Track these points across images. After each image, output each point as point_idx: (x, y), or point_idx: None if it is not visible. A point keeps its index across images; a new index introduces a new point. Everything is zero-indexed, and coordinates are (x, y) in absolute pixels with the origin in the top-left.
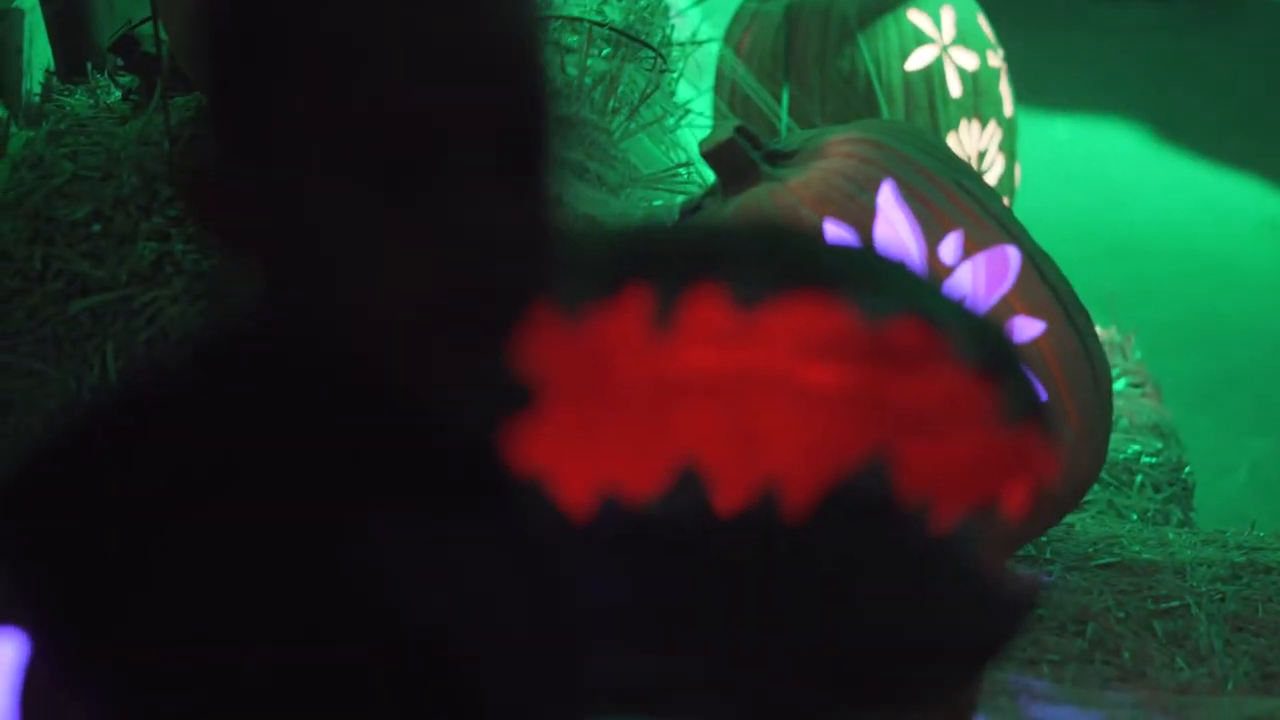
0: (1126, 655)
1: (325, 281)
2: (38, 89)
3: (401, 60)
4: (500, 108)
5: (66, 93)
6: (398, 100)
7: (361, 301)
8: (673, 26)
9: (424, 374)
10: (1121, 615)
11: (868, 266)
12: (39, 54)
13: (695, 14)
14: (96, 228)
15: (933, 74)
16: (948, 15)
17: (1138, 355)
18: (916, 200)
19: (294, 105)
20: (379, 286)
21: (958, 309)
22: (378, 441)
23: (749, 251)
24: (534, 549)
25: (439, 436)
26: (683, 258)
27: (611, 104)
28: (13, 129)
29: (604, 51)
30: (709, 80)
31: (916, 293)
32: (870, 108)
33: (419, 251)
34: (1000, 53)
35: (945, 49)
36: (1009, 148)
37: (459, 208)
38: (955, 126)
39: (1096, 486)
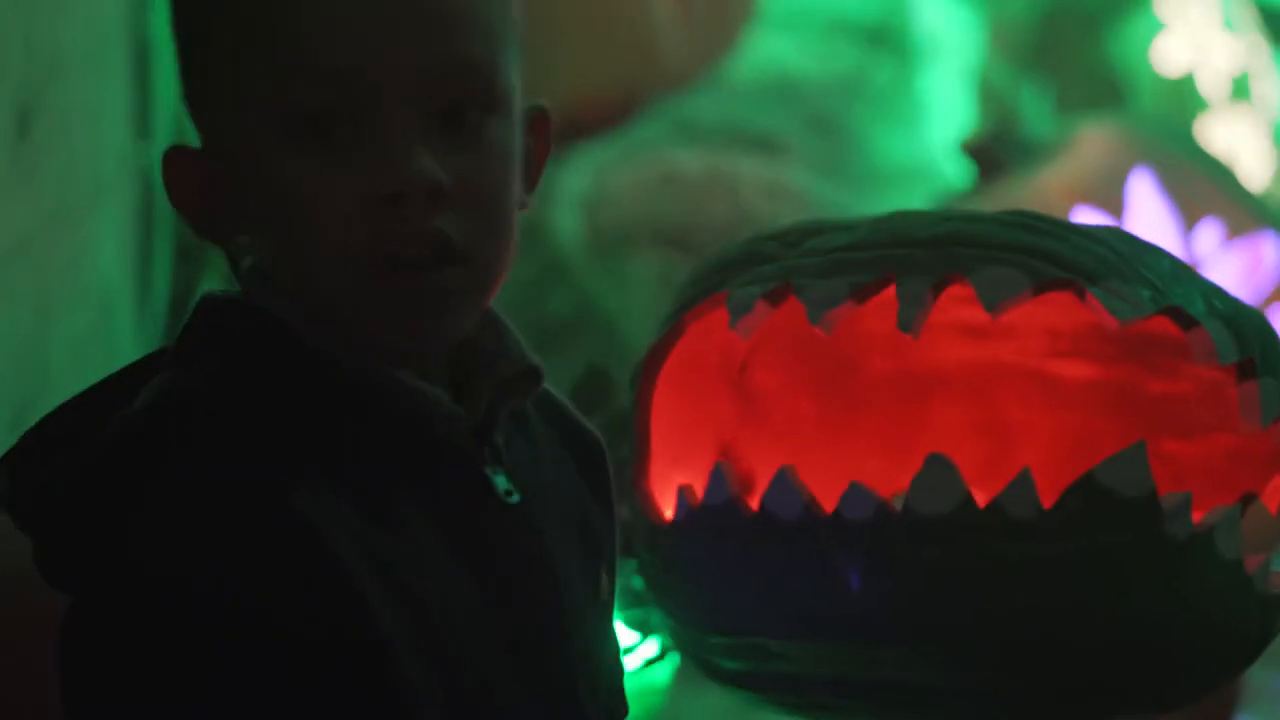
0: None
1: (287, 249)
2: None
3: (344, 22)
4: (424, 59)
5: None
6: (336, 58)
7: (320, 262)
8: (920, 19)
9: (375, 337)
10: None
11: (1120, 258)
12: None
13: (944, 6)
14: None
15: (1186, 64)
16: (1204, 2)
17: None
18: (1171, 190)
19: (242, 81)
20: (329, 245)
21: (1215, 301)
22: (324, 409)
23: (1000, 247)
24: (469, 530)
25: (391, 408)
26: (933, 255)
27: (860, 98)
28: None
29: (849, 46)
30: (958, 73)
31: (1173, 287)
32: (1124, 99)
33: (355, 206)
34: (1260, 40)
35: (1198, 36)
36: (1267, 137)
37: (396, 164)
38: (1208, 116)
39: None
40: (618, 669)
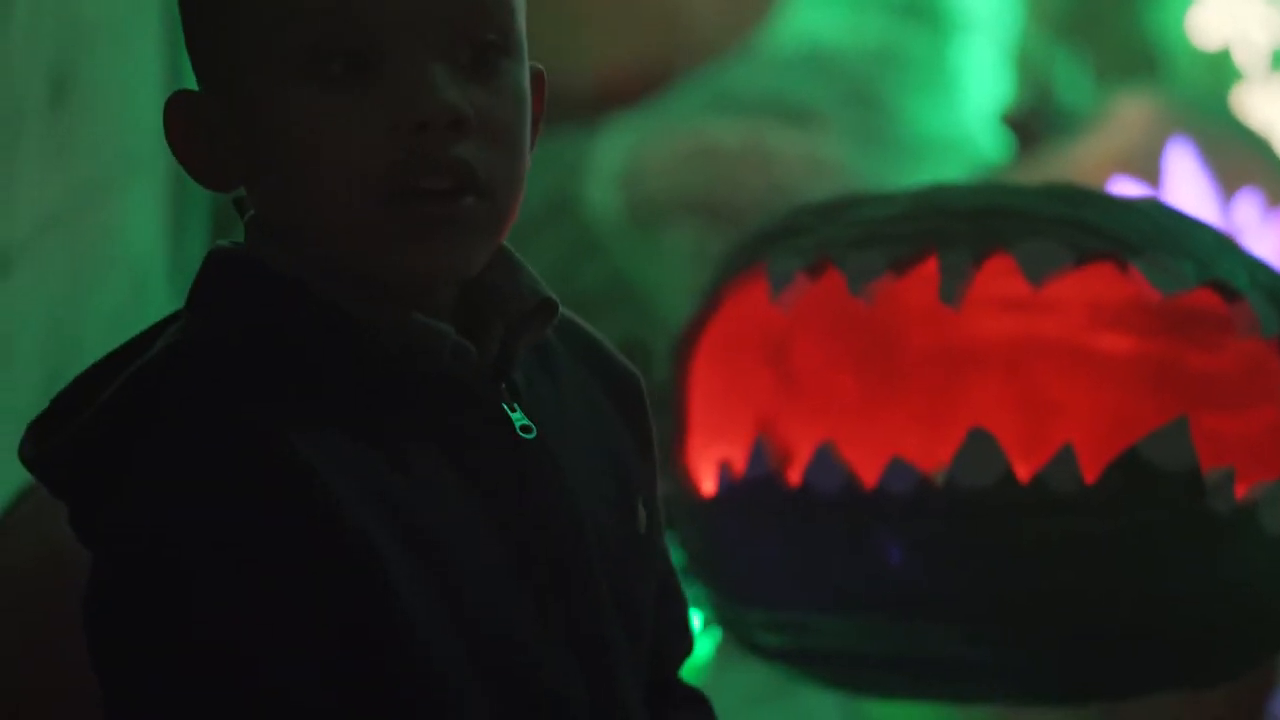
0: None
1: (302, 188)
2: None
3: None
4: (462, 7)
5: None
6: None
7: (337, 196)
8: None
9: (388, 269)
10: None
11: (1164, 231)
12: None
13: None
14: None
15: (1223, 35)
16: None
17: None
18: (1209, 160)
19: (254, 28)
20: (348, 178)
21: (1258, 274)
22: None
23: (1041, 219)
24: (482, 467)
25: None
26: (974, 228)
27: (896, 69)
28: None
29: (884, 16)
30: (994, 43)
31: (1215, 259)
32: (1160, 70)
33: (377, 137)
34: None
35: (1236, 9)
36: None
37: (422, 94)
38: (1245, 87)
39: None
40: (674, 605)
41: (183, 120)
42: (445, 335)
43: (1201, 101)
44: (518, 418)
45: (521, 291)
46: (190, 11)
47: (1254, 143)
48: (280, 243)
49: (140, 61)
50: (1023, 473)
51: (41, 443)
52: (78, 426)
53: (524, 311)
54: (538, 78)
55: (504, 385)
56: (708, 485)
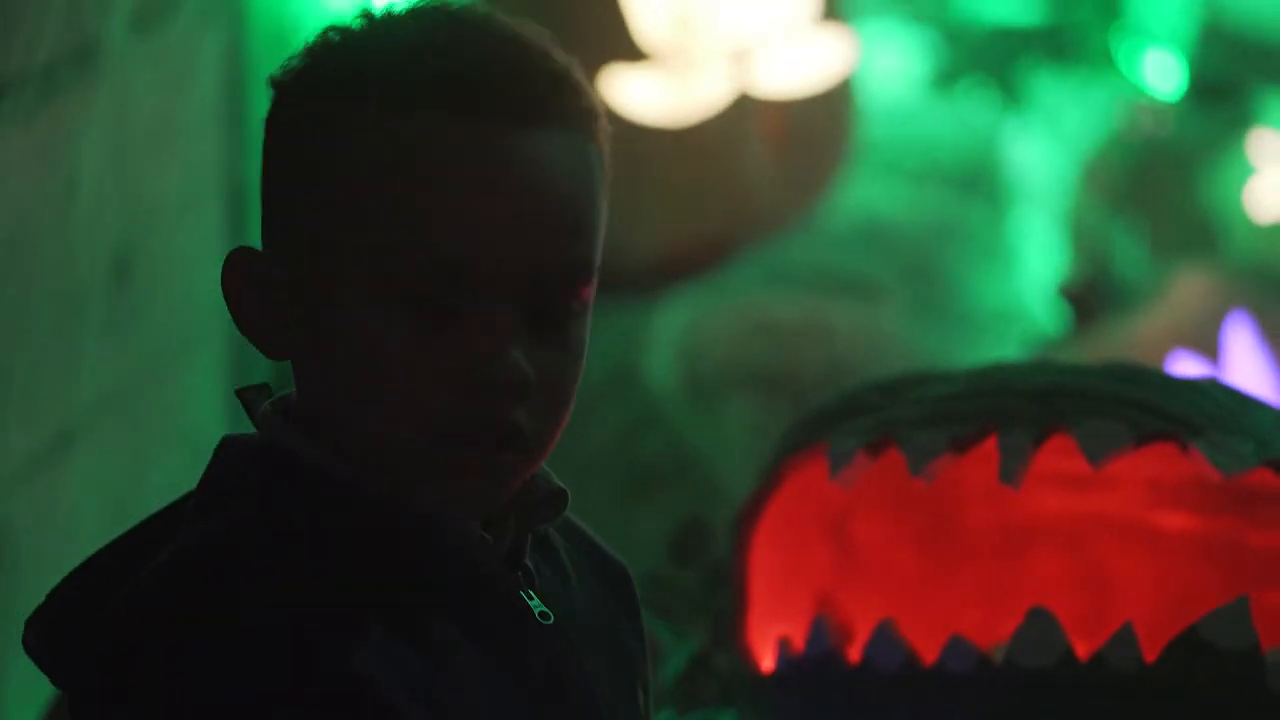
0: None
1: (356, 398)
2: None
3: (463, 213)
4: (535, 258)
5: None
6: (451, 248)
7: (389, 421)
8: (1012, 163)
9: (439, 498)
10: None
11: (1223, 410)
12: None
13: (1034, 151)
14: None
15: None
16: None
17: None
18: (1268, 334)
19: (347, 240)
20: (405, 410)
21: None
22: (385, 557)
23: (1102, 399)
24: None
25: (442, 559)
26: (1034, 407)
27: (954, 243)
28: None
29: (942, 190)
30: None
31: (1275, 438)
32: (1217, 243)
33: (443, 382)
34: None
35: None
36: None
37: (490, 355)
38: None
39: None
40: None
41: (243, 275)
42: (473, 534)
43: (1259, 274)
44: (535, 604)
45: (536, 480)
46: (283, 171)
47: None
48: (315, 433)
49: (201, 239)
50: (1082, 651)
51: (50, 636)
52: (99, 622)
53: (536, 501)
54: None
55: (519, 573)
56: (767, 662)
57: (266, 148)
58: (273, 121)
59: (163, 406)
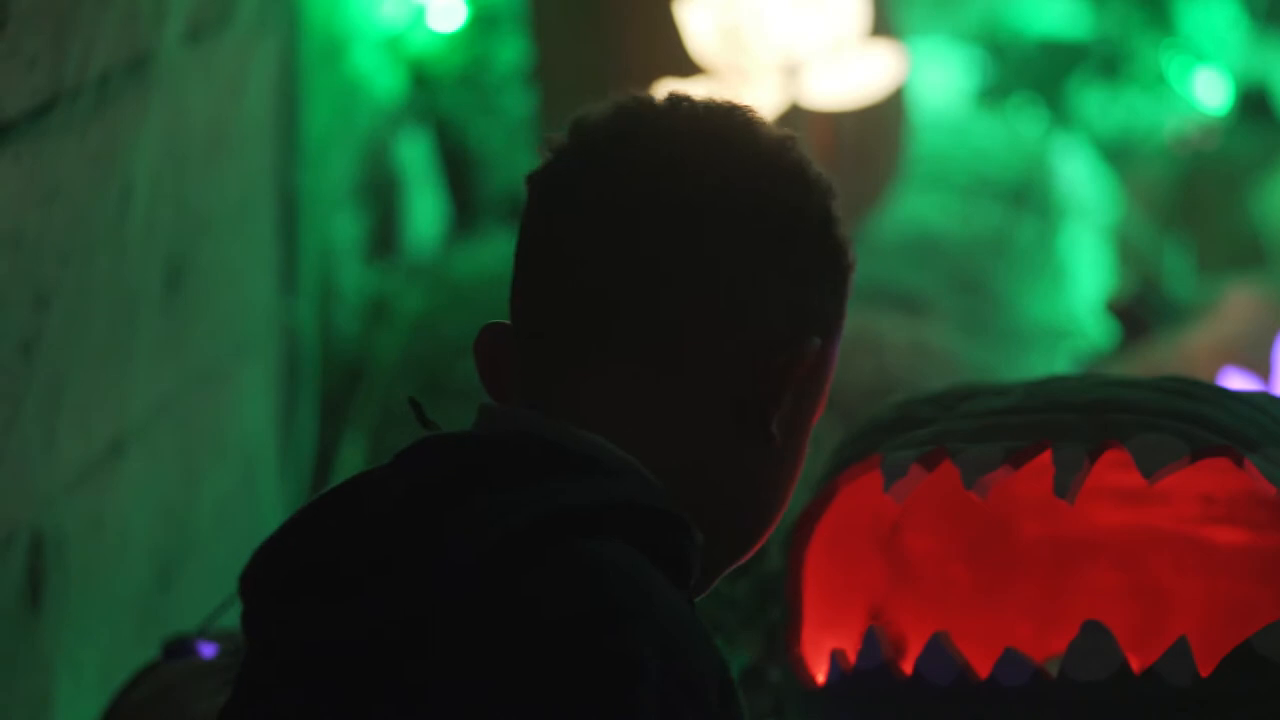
0: None
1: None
2: (423, 249)
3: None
4: None
5: (455, 251)
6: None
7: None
8: (1061, 179)
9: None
10: None
11: (1277, 425)
12: (423, 214)
13: (1082, 165)
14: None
15: None
16: None
17: None
18: None
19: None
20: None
21: None
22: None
23: (1156, 413)
24: None
25: None
26: (1088, 420)
27: (1003, 258)
28: (404, 289)
29: (996, 206)
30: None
31: None
32: (1266, 260)
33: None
34: None
35: None
36: None
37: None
38: None
39: None
40: None
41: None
42: None
43: None
44: None
45: None
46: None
47: None
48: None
49: (254, 249)
50: (1136, 664)
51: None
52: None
53: None
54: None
55: None
56: (820, 675)
57: None
58: None
59: (214, 415)
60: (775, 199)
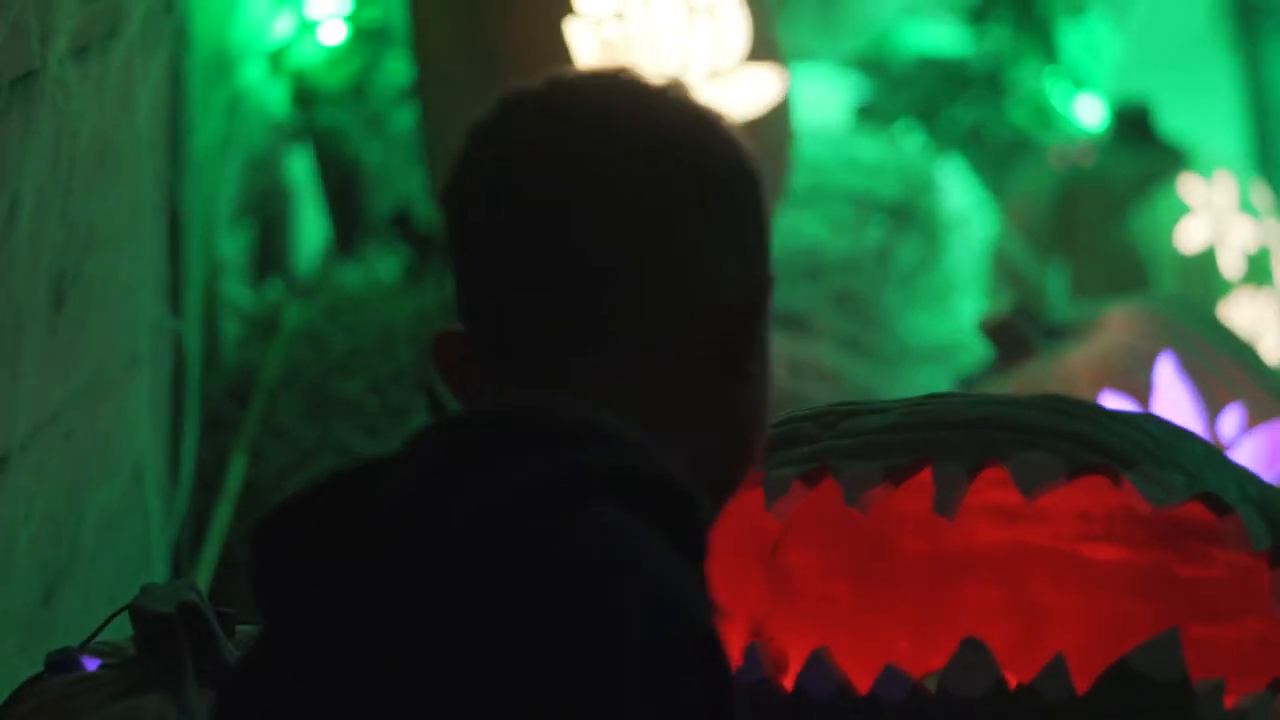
0: None
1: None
2: (311, 264)
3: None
4: None
5: (340, 267)
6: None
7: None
8: (942, 198)
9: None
10: None
11: (1155, 443)
12: (310, 229)
13: (962, 186)
14: (373, 403)
15: (1206, 244)
16: (1222, 184)
17: None
18: (1196, 374)
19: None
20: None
21: (1248, 488)
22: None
23: (1035, 431)
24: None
25: None
26: (968, 438)
27: (886, 277)
28: (289, 304)
29: (878, 224)
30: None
31: (1206, 472)
32: (1145, 280)
33: None
34: (1277, 221)
35: (1219, 219)
36: None
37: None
38: (1228, 297)
39: None
40: None
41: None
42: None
43: (1188, 311)
44: None
45: None
46: None
47: (1240, 352)
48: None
49: (141, 263)
50: (1014, 680)
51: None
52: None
53: None
54: None
55: None
56: None
57: None
58: None
59: (101, 430)
60: (686, 151)
